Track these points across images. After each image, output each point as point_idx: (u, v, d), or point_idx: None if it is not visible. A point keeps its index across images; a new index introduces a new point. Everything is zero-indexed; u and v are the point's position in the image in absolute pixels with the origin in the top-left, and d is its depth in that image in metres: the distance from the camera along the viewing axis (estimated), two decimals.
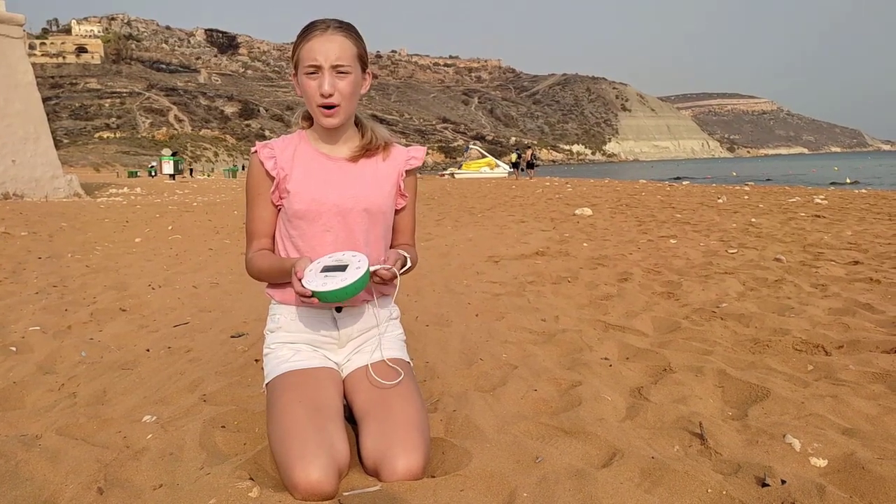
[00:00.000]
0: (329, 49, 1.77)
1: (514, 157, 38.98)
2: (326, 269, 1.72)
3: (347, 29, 1.82)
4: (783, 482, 1.61)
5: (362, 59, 1.86)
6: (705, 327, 3.28)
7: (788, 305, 3.67)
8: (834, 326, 3.20)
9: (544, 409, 2.24)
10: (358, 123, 1.99)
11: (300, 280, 1.69)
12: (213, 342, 3.26)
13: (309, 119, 1.99)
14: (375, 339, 1.98)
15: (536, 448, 1.83)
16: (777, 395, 2.20)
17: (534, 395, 2.33)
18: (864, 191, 15.53)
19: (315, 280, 1.68)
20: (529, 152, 36.54)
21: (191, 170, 60.53)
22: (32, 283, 4.97)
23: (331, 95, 1.79)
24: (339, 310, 1.94)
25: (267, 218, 1.96)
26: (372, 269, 1.75)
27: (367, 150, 1.96)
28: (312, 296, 1.67)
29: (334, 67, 1.78)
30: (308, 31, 1.81)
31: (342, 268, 1.71)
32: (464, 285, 4.64)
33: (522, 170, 36.08)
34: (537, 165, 38.38)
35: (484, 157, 48.24)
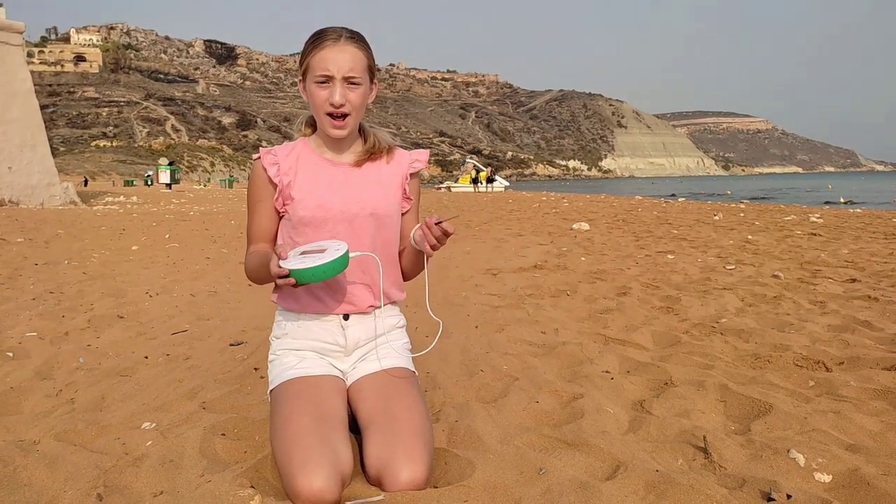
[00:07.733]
0: (342, 60, 1.77)
1: (473, 173, 43.33)
2: (306, 252, 1.73)
3: (359, 39, 1.83)
4: (789, 497, 1.60)
5: (371, 70, 1.86)
6: (705, 342, 3.27)
7: (788, 321, 3.67)
8: (834, 343, 3.20)
9: (546, 420, 2.23)
10: (360, 129, 1.99)
11: (279, 260, 1.68)
12: (211, 350, 3.24)
13: (312, 125, 1.98)
14: (382, 347, 1.97)
15: (540, 460, 1.82)
16: (779, 410, 2.19)
17: (535, 406, 2.32)
18: (858, 210, 15.59)
19: (293, 261, 1.68)
20: (489, 169, 41.39)
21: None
22: (29, 290, 4.94)
23: (342, 105, 1.79)
24: (346, 317, 1.93)
25: (266, 225, 1.96)
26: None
27: (371, 154, 1.96)
28: (289, 276, 1.66)
29: (346, 79, 1.79)
30: (320, 39, 1.80)
31: (321, 251, 1.72)
32: (462, 297, 4.64)
33: (481, 183, 40.44)
34: (494, 181, 43.73)
35: (480, 170, 48.70)
